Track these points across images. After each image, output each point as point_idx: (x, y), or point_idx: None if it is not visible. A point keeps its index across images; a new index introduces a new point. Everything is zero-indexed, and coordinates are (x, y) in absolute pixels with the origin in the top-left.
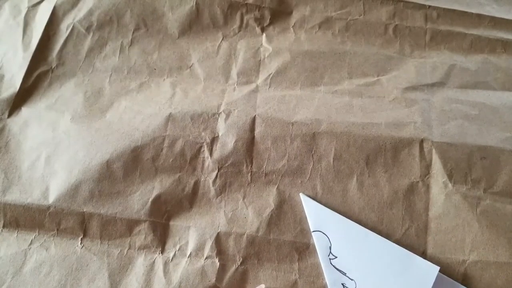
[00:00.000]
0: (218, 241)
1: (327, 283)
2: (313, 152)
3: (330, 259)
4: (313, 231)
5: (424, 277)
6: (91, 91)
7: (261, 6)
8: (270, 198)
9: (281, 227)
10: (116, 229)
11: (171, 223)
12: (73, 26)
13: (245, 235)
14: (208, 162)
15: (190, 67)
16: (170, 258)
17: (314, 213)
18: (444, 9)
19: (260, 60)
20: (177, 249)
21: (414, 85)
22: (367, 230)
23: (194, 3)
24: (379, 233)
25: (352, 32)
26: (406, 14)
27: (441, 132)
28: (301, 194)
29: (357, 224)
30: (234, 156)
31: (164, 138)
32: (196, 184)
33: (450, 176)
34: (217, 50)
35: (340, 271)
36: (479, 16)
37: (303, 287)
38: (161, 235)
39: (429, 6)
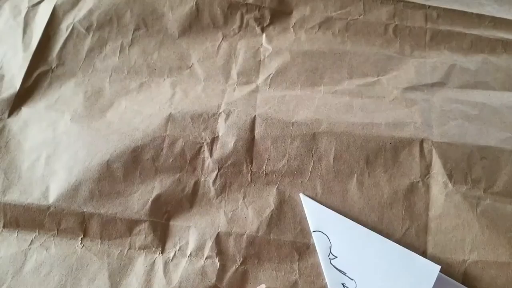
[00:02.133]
0: (218, 241)
1: (327, 283)
2: (313, 152)
3: (330, 259)
4: (313, 231)
5: (425, 277)
6: (91, 91)
7: (261, 6)
8: (270, 198)
9: (281, 227)
10: (116, 229)
11: (171, 223)
12: (73, 26)
13: (245, 235)
14: (208, 162)
15: (190, 67)
16: (170, 258)
17: (314, 213)
18: (444, 9)
19: (260, 60)
20: (177, 249)
21: (414, 85)
22: (367, 229)
23: (194, 3)
24: (379, 233)
25: (352, 32)
26: (406, 14)
27: (441, 132)
28: (301, 194)
29: (357, 224)
30: (234, 156)
31: (164, 138)
32: (196, 184)
33: (450, 176)
34: (217, 50)
35: (340, 271)
36: (479, 16)
37: (303, 287)
38: (161, 235)
39: (429, 6)
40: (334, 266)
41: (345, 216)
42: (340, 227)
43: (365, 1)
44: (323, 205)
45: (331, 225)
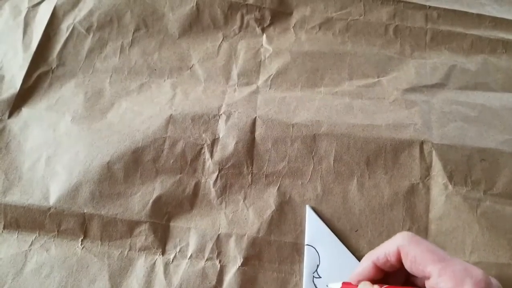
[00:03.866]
0: (219, 242)
1: None
2: (313, 153)
3: (314, 277)
4: (307, 245)
5: None
6: (91, 91)
7: (262, 6)
8: (270, 199)
9: (281, 228)
10: (116, 230)
11: (172, 224)
12: (73, 27)
13: (246, 236)
14: (209, 163)
15: (190, 68)
16: (171, 259)
17: (314, 228)
18: (444, 9)
19: (261, 61)
20: (178, 251)
21: (414, 86)
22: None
23: (195, 3)
24: (380, 234)
25: (353, 33)
26: (407, 15)
27: (441, 134)
28: (307, 206)
29: (352, 255)
30: (234, 158)
31: (165, 139)
32: (197, 185)
33: (450, 178)
34: (217, 51)
35: None
36: (480, 16)
37: None
38: (161, 237)
39: (430, 7)
40: (315, 285)
41: (345, 217)
42: (334, 251)
43: (365, 1)
44: (324, 206)
45: (326, 246)
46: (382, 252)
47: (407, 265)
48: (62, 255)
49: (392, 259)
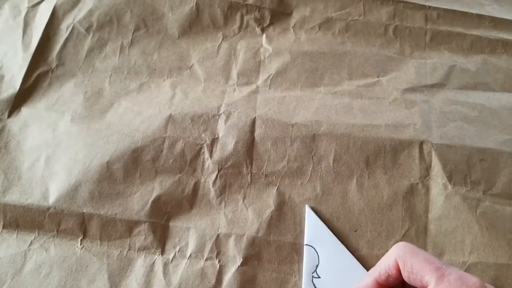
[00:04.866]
0: (218, 242)
1: None
2: (313, 153)
3: (313, 276)
4: (306, 245)
5: None
6: (91, 91)
7: (261, 6)
8: (270, 199)
9: (281, 228)
10: (116, 230)
11: (171, 224)
12: (73, 27)
13: (245, 236)
14: (208, 163)
15: (190, 67)
16: (170, 259)
17: (313, 228)
18: (444, 9)
19: (260, 60)
20: (177, 250)
21: (414, 86)
22: (358, 263)
23: (194, 3)
24: (379, 234)
25: (352, 33)
26: (406, 15)
27: (441, 134)
28: (306, 206)
29: (351, 255)
30: (234, 158)
31: (164, 139)
32: (196, 185)
33: (449, 178)
34: (217, 51)
35: None
36: (480, 16)
37: None
38: (161, 236)
39: (429, 7)
40: (314, 285)
41: (345, 217)
42: (334, 251)
43: (365, 1)
44: (323, 206)
45: (326, 246)
46: (383, 267)
47: (405, 275)
48: (62, 255)
49: (393, 271)
